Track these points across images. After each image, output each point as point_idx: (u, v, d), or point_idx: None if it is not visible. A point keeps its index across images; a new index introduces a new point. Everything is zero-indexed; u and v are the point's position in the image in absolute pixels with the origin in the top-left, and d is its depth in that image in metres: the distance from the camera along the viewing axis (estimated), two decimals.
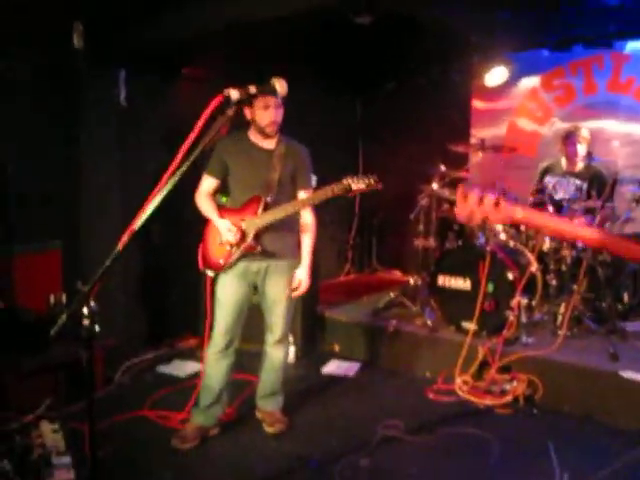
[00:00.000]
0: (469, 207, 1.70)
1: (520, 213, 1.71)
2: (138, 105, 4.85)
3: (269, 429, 3.67)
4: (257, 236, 3.31)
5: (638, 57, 5.67)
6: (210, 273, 3.44)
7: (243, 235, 3.31)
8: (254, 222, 3.29)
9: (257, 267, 3.43)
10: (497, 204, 1.68)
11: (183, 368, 4.73)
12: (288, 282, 3.51)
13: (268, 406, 3.75)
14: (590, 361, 4.13)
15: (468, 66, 6.50)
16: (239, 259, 3.35)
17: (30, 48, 4.19)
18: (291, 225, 3.51)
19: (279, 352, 3.65)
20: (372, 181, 3.08)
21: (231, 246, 3.33)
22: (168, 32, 4.50)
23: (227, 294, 3.44)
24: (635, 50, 5.68)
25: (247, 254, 3.34)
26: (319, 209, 3.51)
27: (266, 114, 3.27)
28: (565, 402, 4.03)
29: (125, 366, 4.60)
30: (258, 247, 3.31)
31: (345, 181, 3.08)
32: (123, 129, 4.80)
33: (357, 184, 3.06)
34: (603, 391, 3.96)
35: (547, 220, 1.83)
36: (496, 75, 6.18)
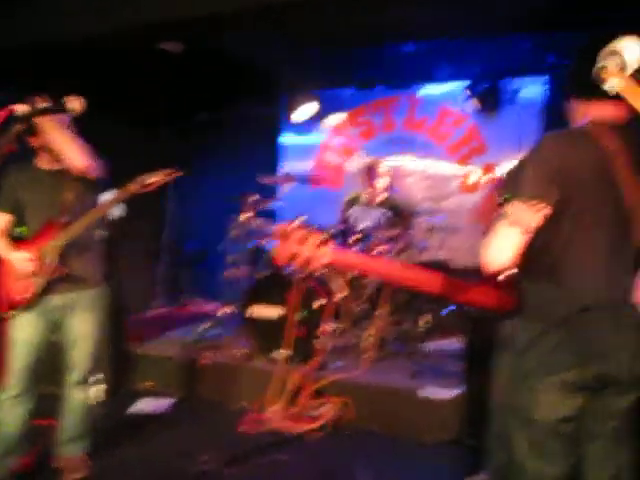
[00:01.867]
0: (291, 247, 1.64)
1: (341, 256, 1.72)
2: None
3: (71, 476, 3.39)
4: (60, 258, 3.09)
5: (430, 100, 6.21)
6: (13, 314, 3.14)
7: (42, 262, 3.08)
8: (54, 245, 3.08)
9: (61, 302, 3.20)
10: (320, 244, 1.65)
11: None
12: (94, 316, 3.31)
13: (69, 452, 3.45)
14: (394, 381, 4.35)
15: (277, 101, 6.69)
16: (46, 289, 3.11)
17: None
18: (91, 244, 3.34)
19: (82, 393, 3.39)
20: (167, 172, 3.09)
21: (33, 276, 3.08)
22: None
23: (25, 334, 3.15)
24: (427, 94, 6.22)
25: (52, 282, 3.10)
26: (128, 241, 3.37)
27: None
28: (374, 422, 4.18)
29: None
30: (64, 269, 3.10)
31: (139, 178, 3.05)
32: None
33: (152, 177, 3.06)
34: (407, 409, 4.18)
35: (370, 264, 1.88)
36: (304, 111, 6.42)
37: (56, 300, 3.19)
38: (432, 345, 5.13)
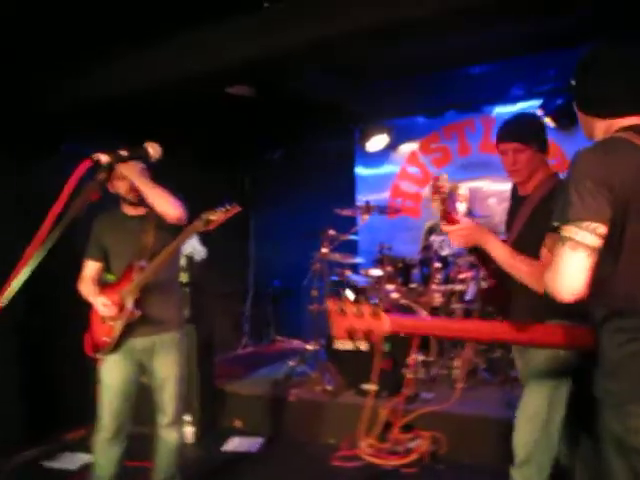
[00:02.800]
0: (348, 321, 1.64)
1: (400, 321, 1.69)
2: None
3: None
4: (137, 302, 3.17)
5: (504, 119, 6.08)
6: (100, 356, 3.26)
7: (122, 306, 3.17)
8: (131, 289, 3.17)
9: (142, 345, 3.27)
10: (376, 314, 1.64)
11: (73, 460, 4.37)
12: (177, 358, 3.36)
13: None
14: (487, 411, 4.20)
15: (350, 133, 6.74)
16: (124, 332, 3.18)
17: None
18: (171, 287, 3.41)
19: (173, 434, 3.43)
20: (228, 207, 3.11)
21: (112, 320, 3.18)
22: (44, 105, 4.38)
23: (113, 376, 3.25)
24: (501, 113, 6.10)
25: (130, 325, 3.17)
26: (213, 282, 3.41)
27: (123, 183, 3.20)
28: (468, 454, 4.05)
29: (4, 465, 4.19)
30: (138, 312, 3.16)
31: (204, 215, 3.09)
32: None
33: (215, 215, 3.08)
34: (502, 439, 4.01)
35: (433, 323, 1.85)
36: (377, 141, 6.44)
37: (138, 343, 3.26)
38: None
